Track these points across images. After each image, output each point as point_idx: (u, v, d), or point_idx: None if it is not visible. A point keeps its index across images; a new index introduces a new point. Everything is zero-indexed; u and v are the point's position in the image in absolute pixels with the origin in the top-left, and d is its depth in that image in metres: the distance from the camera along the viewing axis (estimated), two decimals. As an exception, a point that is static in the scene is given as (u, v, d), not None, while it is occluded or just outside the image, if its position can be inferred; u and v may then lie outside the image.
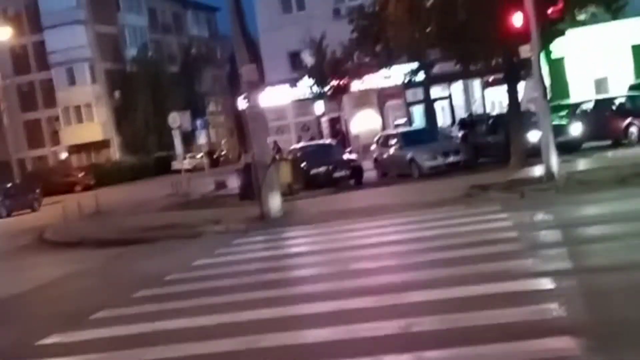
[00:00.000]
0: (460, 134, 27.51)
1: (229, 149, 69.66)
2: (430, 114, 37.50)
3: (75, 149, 64.67)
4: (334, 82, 38.13)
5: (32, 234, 21.62)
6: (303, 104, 42.51)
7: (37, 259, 16.52)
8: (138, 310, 8.81)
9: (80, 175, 54.04)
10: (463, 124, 29.15)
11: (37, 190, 38.29)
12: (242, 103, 18.00)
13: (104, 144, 64.30)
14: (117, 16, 66.43)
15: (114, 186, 49.34)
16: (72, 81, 63.37)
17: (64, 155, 65.32)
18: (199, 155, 50.11)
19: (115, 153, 64.46)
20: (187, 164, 39.87)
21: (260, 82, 18.39)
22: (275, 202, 16.84)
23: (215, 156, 56.41)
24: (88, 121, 63.58)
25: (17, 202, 36.02)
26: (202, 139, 35.88)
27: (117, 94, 64.65)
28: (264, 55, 38.68)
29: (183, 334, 7.36)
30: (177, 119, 30.42)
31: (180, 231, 16.66)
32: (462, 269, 8.37)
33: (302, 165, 24.07)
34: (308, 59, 39.87)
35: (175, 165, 46.12)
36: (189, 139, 40.00)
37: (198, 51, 75.15)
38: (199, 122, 34.14)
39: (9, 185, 38.79)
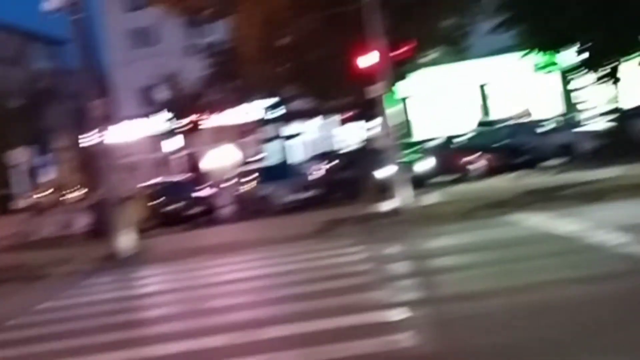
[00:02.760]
0: (320, 169, 27.84)
1: (76, 187, 66.93)
2: (286, 150, 37.94)
3: None
4: (190, 118, 37.82)
5: None
6: (157, 140, 41.72)
7: None
8: (-26, 360, 8.16)
9: None
10: (324, 158, 29.44)
11: None
12: (91, 139, 17.29)
13: None
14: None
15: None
16: None
17: None
18: (45, 193, 47.70)
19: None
20: (30, 202, 37.79)
21: (110, 117, 17.87)
22: (127, 240, 16.28)
23: (62, 193, 54.02)
24: None
25: None
26: (47, 176, 34.33)
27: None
28: (116, 90, 37.78)
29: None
30: (18, 156, 28.90)
31: (22, 273, 15.69)
32: (318, 303, 8.40)
33: (156, 201, 23.52)
34: (162, 94, 39.33)
35: (18, 204, 43.67)
36: (33, 176, 38.07)
37: (44, 85, 71.98)
38: (43, 159, 32.60)
39: None
